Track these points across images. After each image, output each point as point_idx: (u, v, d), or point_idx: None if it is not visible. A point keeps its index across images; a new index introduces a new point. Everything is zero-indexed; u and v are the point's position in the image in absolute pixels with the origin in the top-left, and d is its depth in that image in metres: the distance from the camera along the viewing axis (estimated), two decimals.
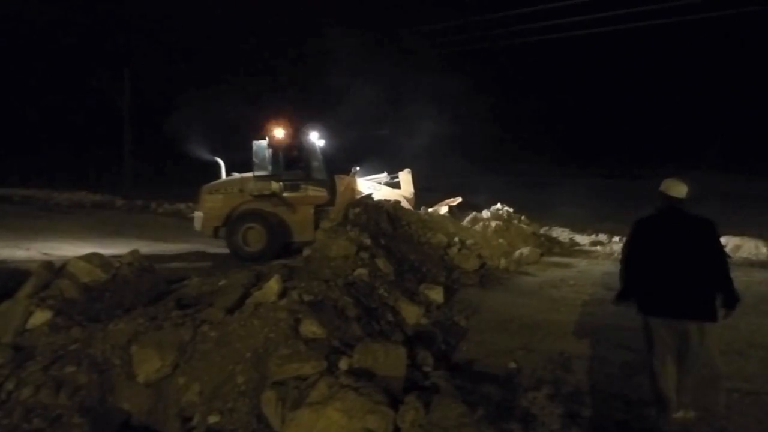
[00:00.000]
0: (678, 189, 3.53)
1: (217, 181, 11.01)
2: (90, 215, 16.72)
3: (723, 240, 10.75)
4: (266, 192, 10.19)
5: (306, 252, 7.26)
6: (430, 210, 11.75)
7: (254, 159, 10.66)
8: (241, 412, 3.38)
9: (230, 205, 10.37)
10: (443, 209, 11.74)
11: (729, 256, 3.75)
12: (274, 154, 10.45)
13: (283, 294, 4.59)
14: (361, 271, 6.04)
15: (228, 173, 11.22)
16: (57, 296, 4.61)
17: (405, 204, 11.14)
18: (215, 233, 10.53)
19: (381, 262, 6.58)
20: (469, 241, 9.17)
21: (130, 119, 24.63)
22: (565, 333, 5.40)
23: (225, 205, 10.38)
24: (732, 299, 3.35)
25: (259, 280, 5.12)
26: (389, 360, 3.59)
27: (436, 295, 6.39)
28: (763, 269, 9.28)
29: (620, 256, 3.86)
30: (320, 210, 10.27)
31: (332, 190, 10.60)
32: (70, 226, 13.79)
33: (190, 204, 19.44)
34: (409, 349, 4.37)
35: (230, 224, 10.24)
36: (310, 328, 3.99)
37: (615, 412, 3.66)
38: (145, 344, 3.83)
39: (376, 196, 11.08)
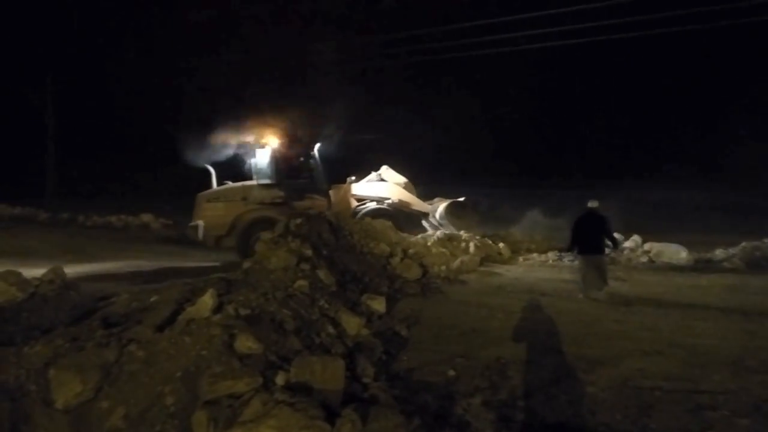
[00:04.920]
0: (592, 203, 7.91)
1: (214, 189, 10.82)
2: (8, 230, 15.50)
3: (646, 246, 11.56)
4: (277, 200, 10.22)
5: (245, 264, 7.06)
6: (435, 200, 12.80)
7: (256, 167, 10.56)
8: None
9: (233, 213, 10.23)
10: (444, 203, 12.48)
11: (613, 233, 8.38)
12: (277, 163, 10.43)
13: (218, 309, 4.43)
14: (302, 283, 5.94)
15: (219, 182, 11.10)
16: None
17: (403, 192, 11.99)
18: (217, 243, 10.32)
19: (322, 273, 6.50)
20: (411, 251, 9.27)
21: (55, 128, 23.22)
22: (502, 339, 5.54)
23: (227, 214, 10.23)
24: (615, 245, 8.54)
25: (194, 294, 4.92)
26: (327, 373, 3.54)
27: (378, 305, 6.39)
28: (683, 273, 9.97)
29: (570, 232, 8.06)
30: None
31: (329, 198, 10.88)
32: None
33: (122, 216, 18.54)
34: (349, 361, 4.34)
35: (240, 233, 10.15)
36: (246, 343, 3.87)
37: (547, 414, 3.78)
38: (65, 367, 3.56)
39: (382, 193, 11.82)
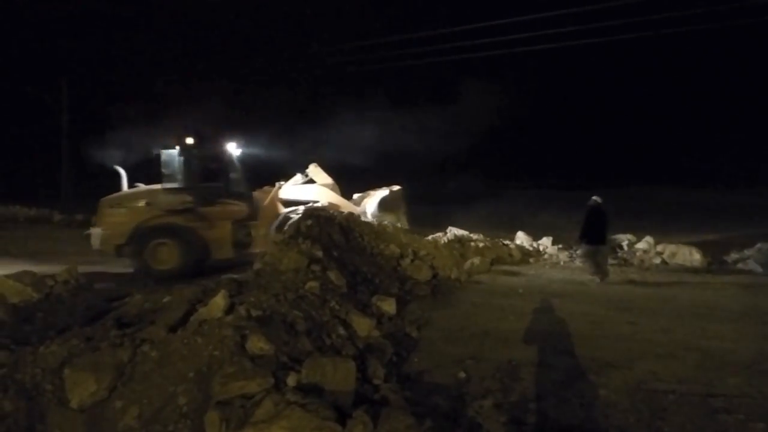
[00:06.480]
0: (597, 198, 9.22)
1: (119, 193, 10.03)
2: (24, 231, 15.74)
3: (659, 247, 11.45)
4: (179, 207, 9.36)
5: (256, 265, 7.10)
6: (355, 198, 11.74)
7: (163, 170, 9.78)
8: None
9: (136, 220, 9.43)
10: (380, 193, 11.61)
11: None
12: (187, 165, 9.66)
13: (230, 309, 4.47)
14: (313, 284, 5.96)
15: (130, 184, 10.30)
16: None
17: (332, 194, 11.00)
18: (118, 251, 9.58)
19: (333, 275, 6.52)
20: (421, 252, 9.25)
21: (68, 130, 23.53)
22: (513, 341, 5.51)
23: (130, 221, 9.42)
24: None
25: (206, 295, 4.96)
26: (338, 374, 3.55)
27: (388, 306, 6.39)
28: (696, 275, 9.85)
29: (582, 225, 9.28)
30: (239, 225, 9.71)
31: (253, 203, 9.97)
32: (1, 242, 12.94)
33: None
34: (360, 362, 4.35)
35: (137, 239, 9.35)
36: (257, 344, 3.89)
37: (559, 417, 3.75)
38: (80, 367, 3.61)
39: (312, 197, 10.82)
